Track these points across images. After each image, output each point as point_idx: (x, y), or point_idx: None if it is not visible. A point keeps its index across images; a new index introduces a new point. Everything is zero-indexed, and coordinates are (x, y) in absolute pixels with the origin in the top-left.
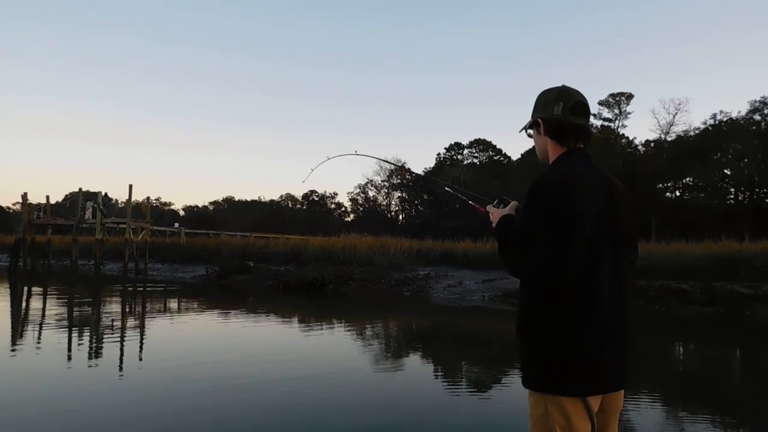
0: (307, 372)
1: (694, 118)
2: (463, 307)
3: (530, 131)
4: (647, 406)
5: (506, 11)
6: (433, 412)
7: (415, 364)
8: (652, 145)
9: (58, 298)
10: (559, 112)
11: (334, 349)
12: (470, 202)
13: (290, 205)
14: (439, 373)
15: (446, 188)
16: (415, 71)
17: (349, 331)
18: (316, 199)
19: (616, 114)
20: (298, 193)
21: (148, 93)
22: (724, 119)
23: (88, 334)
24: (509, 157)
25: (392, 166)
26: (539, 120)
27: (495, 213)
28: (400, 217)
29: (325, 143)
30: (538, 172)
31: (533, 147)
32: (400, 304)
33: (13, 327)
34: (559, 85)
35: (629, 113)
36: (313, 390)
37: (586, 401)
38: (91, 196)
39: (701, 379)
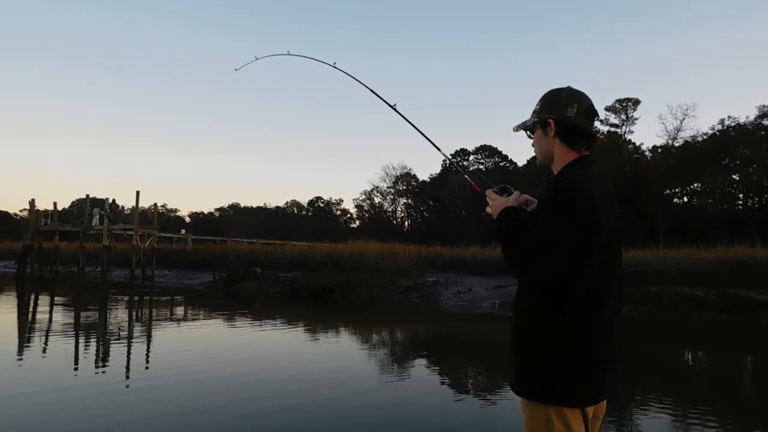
0: (316, 383)
1: (702, 124)
2: (473, 314)
3: (530, 131)
4: (664, 414)
5: (511, 15)
6: (443, 422)
7: (428, 373)
8: (660, 150)
9: (65, 305)
10: (573, 114)
11: (346, 359)
12: (465, 176)
13: (296, 212)
14: (451, 382)
15: (442, 153)
16: (420, 76)
17: (359, 340)
18: (321, 205)
19: (623, 119)
20: (304, 200)
21: (154, 98)
22: (732, 124)
23: (95, 341)
24: (515, 164)
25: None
26: (550, 120)
27: (497, 201)
28: (406, 223)
29: (329, 148)
30: (546, 178)
31: None
32: (409, 311)
33: (20, 334)
34: (564, 86)
35: (636, 119)
36: (322, 401)
37: (585, 411)
38: (98, 202)
39: (717, 387)
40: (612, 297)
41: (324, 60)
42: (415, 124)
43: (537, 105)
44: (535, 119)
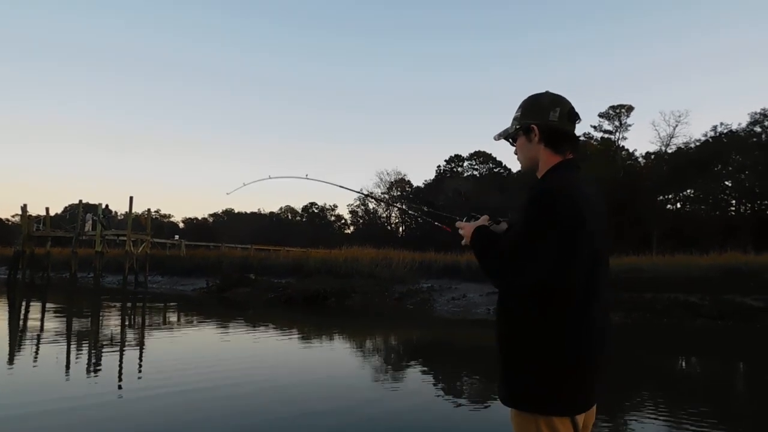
0: (310, 391)
1: (695, 130)
2: (467, 320)
3: (512, 138)
4: (658, 421)
5: (507, 22)
6: (437, 430)
7: (422, 380)
8: (653, 157)
9: (56, 312)
10: (555, 118)
11: (340, 367)
12: (436, 223)
13: (290, 218)
14: (445, 390)
15: (407, 209)
16: (414, 83)
17: (354, 347)
18: (315, 211)
19: (616, 126)
20: (298, 206)
21: (148, 103)
22: (725, 131)
23: (86, 348)
24: (509, 170)
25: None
26: (533, 126)
27: (466, 227)
28: (401, 229)
29: (323, 154)
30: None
31: None
32: (404, 317)
33: (10, 341)
34: (543, 91)
35: (629, 125)
36: (316, 409)
37: (575, 419)
38: (90, 208)
39: (710, 394)
40: (599, 302)
41: (297, 176)
42: (392, 200)
43: (517, 112)
44: (517, 126)
